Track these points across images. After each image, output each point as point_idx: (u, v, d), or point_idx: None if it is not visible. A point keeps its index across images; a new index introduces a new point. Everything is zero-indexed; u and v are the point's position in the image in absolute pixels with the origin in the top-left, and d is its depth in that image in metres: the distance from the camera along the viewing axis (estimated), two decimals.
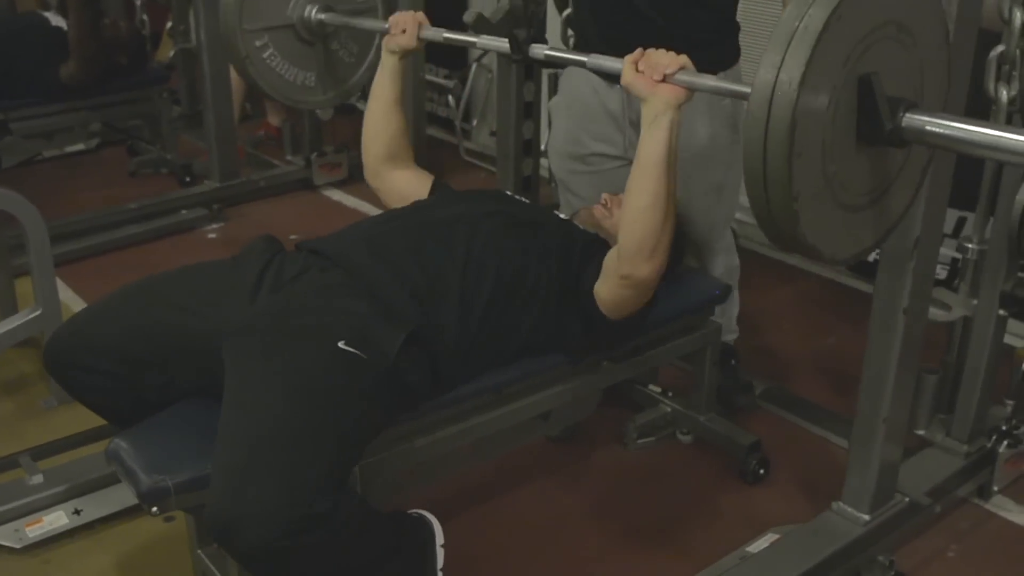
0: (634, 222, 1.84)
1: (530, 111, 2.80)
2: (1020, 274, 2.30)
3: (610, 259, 1.93)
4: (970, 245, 2.34)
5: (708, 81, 1.73)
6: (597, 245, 2.08)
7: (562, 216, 2.29)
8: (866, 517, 2.15)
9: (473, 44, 2.20)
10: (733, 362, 2.75)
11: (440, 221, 2.05)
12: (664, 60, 1.75)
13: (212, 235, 4.04)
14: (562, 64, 1.97)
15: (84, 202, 4.20)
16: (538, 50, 1.98)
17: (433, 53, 5.01)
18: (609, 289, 1.95)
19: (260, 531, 1.55)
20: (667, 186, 1.80)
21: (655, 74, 1.75)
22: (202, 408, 1.82)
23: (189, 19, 4.63)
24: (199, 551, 1.99)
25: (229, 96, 4.20)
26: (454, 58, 4.86)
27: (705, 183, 2.52)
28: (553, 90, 3.02)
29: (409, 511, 1.96)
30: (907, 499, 2.22)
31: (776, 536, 2.19)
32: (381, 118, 2.33)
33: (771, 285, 3.54)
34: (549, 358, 2.10)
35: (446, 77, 5.07)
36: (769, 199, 1.39)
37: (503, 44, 2.01)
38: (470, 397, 2.01)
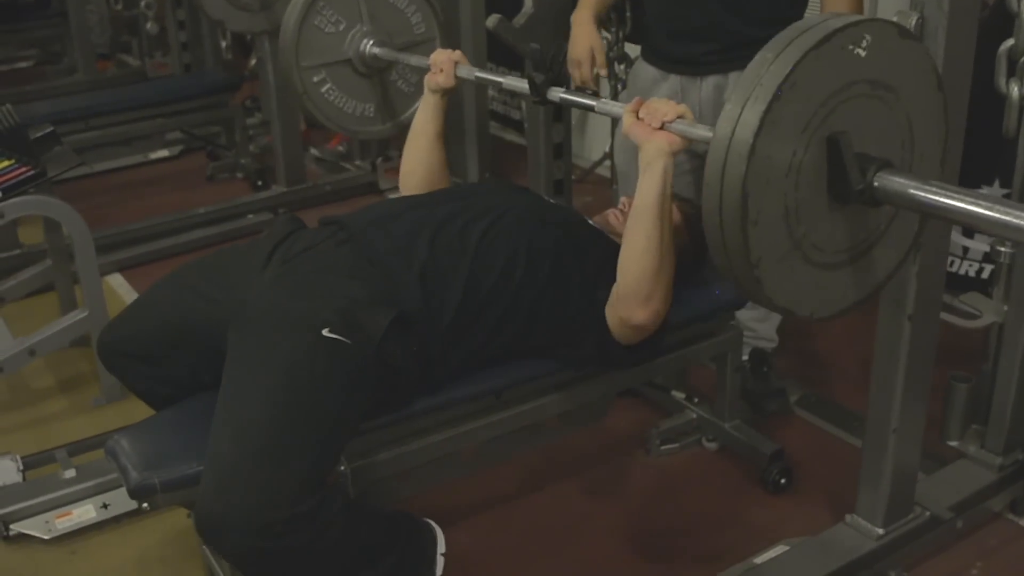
0: (629, 264, 1.84)
1: (560, 115, 2.79)
2: None
3: (613, 295, 1.91)
4: (1003, 248, 2.23)
5: (702, 131, 1.72)
6: (612, 254, 2.04)
7: (590, 222, 2.25)
8: (880, 531, 2.08)
9: (500, 84, 2.24)
10: (765, 369, 2.68)
11: (465, 209, 2.03)
12: (663, 108, 1.76)
13: None
14: (577, 107, 2.08)
15: (160, 206, 4.36)
16: (555, 93, 2.05)
17: (505, 54, 5.02)
18: (612, 323, 1.93)
19: (240, 533, 1.60)
20: (661, 231, 1.79)
21: (654, 121, 1.76)
22: (209, 403, 1.83)
23: None
24: (204, 546, 2.06)
25: (294, 104, 4.29)
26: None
27: None
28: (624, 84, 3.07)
29: (415, 516, 1.96)
30: (927, 512, 2.13)
31: (786, 548, 2.13)
32: (422, 153, 2.37)
33: None
34: (553, 363, 2.08)
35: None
36: (732, 266, 1.37)
37: (523, 85, 2.08)
38: (468, 400, 2.01)
